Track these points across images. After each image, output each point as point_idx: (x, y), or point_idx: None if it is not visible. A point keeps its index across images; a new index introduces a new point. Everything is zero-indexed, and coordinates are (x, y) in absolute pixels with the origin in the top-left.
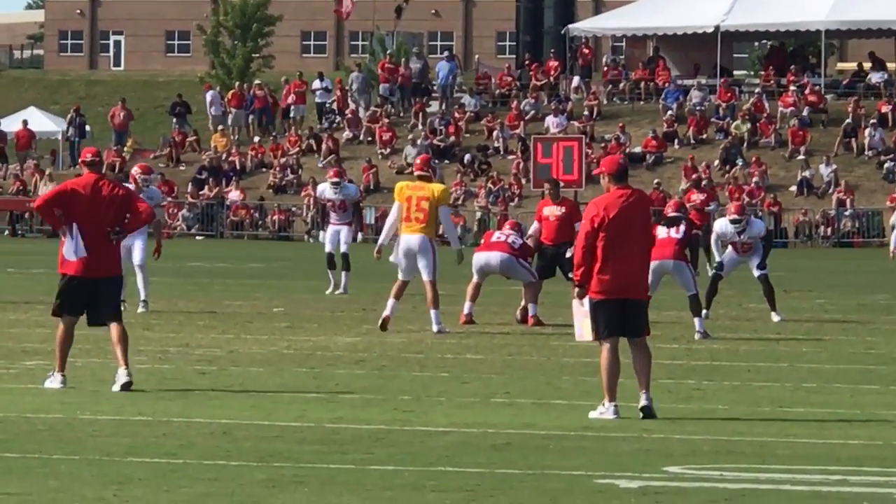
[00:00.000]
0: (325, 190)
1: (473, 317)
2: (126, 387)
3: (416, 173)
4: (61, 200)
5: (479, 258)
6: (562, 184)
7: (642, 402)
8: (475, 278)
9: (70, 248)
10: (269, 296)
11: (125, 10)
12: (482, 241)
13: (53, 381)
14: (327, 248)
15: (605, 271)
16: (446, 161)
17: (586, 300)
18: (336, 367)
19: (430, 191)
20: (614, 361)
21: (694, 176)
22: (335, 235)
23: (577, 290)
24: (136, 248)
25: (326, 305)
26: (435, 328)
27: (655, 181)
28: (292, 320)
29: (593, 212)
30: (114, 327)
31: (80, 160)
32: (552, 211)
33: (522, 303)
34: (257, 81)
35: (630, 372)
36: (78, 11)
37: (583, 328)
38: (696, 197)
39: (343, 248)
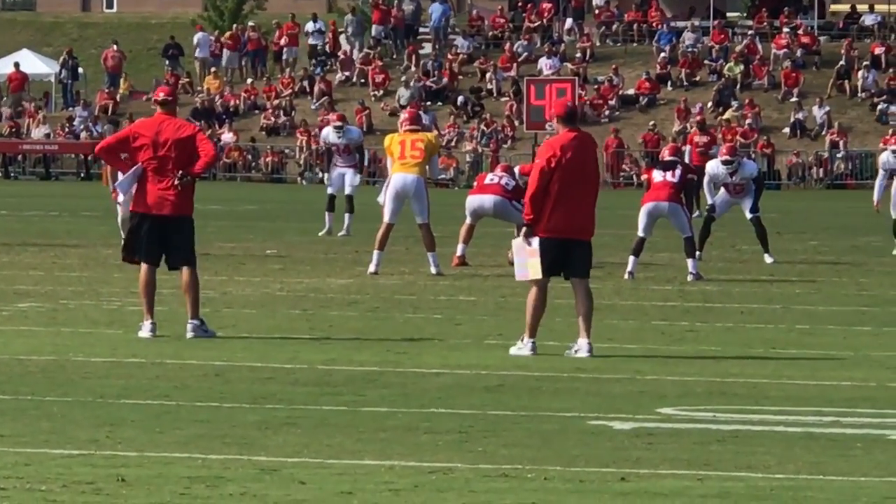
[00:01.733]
0: (329, 134)
1: (466, 258)
2: (196, 335)
3: (405, 128)
4: (123, 144)
5: (473, 201)
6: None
7: (582, 349)
8: (468, 220)
9: (121, 184)
10: (261, 238)
11: None
12: (475, 183)
13: (143, 330)
14: (329, 191)
15: (555, 211)
16: (439, 103)
17: (535, 240)
18: (329, 309)
19: (423, 135)
20: (542, 299)
21: (698, 117)
22: (339, 178)
23: (525, 228)
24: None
25: (319, 248)
26: (433, 270)
27: (650, 123)
28: (285, 262)
29: (549, 152)
30: (184, 271)
31: (153, 98)
32: None
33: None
34: (251, 23)
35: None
36: None
37: (528, 267)
38: (699, 139)
39: (348, 191)
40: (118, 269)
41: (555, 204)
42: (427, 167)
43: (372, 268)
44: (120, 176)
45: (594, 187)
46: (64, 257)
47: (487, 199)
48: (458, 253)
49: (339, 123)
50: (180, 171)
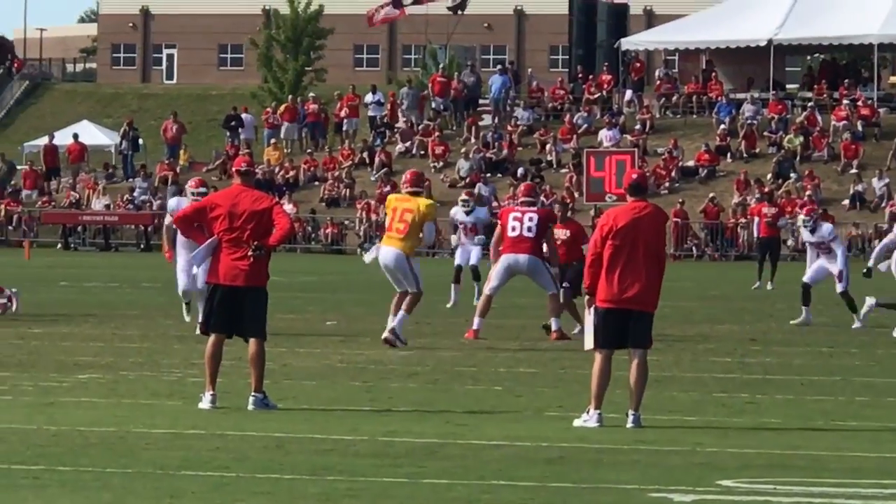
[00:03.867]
0: (457, 213)
1: (480, 333)
2: (258, 408)
3: (405, 190)
4: (200, 214)
5: (507, 259)
6: (570, 204)
7: (629, 422)
8: (494, 284)
9: (197, 255)
10: (321, 309)
11: (177, 24)
12: (497, 228)
13: (204, 402)
14: (457, 262)
15: (610, 280)
16: (499, 175)
17: (591, 309)
18: (389, 381)
19: (415, 204)
20: (606, 370)
21: (766, 189)
22: (466, 253)
23: (586, 298)
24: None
25: (379, 319)
26: (386, 333)
27: (710, 195)
28: (345, 334)
29: (604, 221)
30: (252, 343)
31: (233, 168)
32: (559, 234)
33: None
34: (311, 94)
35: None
36: (131, 25)
37: (589, 336)
38: (767, 210)
39: (473, 262)
40: (178, 341)
41: (612, 274)
42: (421, 234)
43: (390, 329)
44: (177, 244)
45: (657, 258)
46: (124, 328)
47: (522, 258)
48: (475, 326)
49: (465, 198)
50: (255, 243)
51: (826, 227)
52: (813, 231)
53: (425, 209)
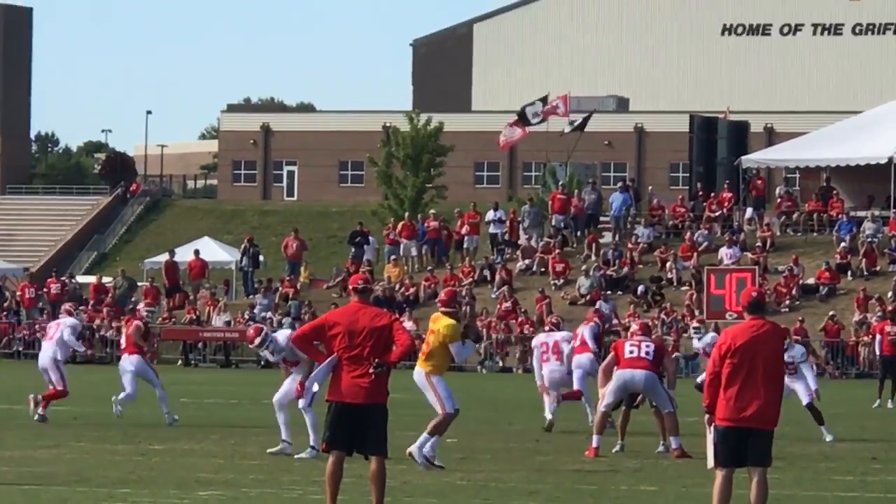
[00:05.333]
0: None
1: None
2: None
3: (440, 309)
4: (318, 332)
5: (623, 375)
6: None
7: None
8: (608, 400)
9: (317, 374)
10: None
11: (298, 141)
12: (611, 350)
13: None
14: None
15: (728, 398)
16: (619, 292)
17: (711, 427)
18: (509, 499)
19: (438, 325)
20: (726, 491)
21: (889, 308)
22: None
23: (707, 416)
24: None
25: (500, 437)
26: (416, 453)
27: (830, 313)
28: (465, 452)
29: (722, 339)
30: (374, 461)
31: (350, 286)
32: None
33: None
34: (432, 211)
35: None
36: (251, 142)
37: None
38: (890, 328)
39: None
40: (298, 459)
41: (731, 392)
42: (446, 354)
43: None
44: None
45: (775, 376)
46: (244, 445)
47: (639, 374)
48: (595, 444)
49: (697, 325)
50: (376, 360)
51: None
52: None
53: (444, 330)
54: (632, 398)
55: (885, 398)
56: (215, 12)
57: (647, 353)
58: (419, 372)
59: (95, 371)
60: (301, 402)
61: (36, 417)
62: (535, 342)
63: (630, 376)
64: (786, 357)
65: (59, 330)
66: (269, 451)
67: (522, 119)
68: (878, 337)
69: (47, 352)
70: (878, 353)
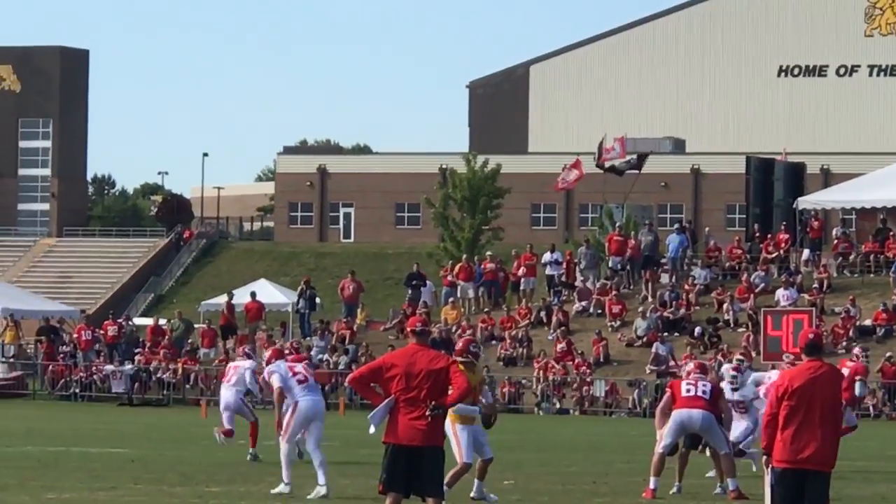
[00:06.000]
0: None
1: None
2: None
3: (458, 358)
4: (375, 374)
5: (681, 415)
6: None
7: None
8: (666, 441)
9: (374, 416)
10: (499, 468)
11: (354, 183)
12: (667, 390)
13: None
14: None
15: (785, 440)
16: (676, 334)
17: (769, 470)
18: None
19: (470, 377)
20: None
21: None
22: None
23: (764, 458)
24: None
25: (557, 479)
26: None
27: (887, 354)
28: (523, 493)
29: (780, 381)
30: (430, 502)
31: (408, 329)
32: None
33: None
34: (489, 253)
35: None
36: (308, 183)
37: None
38: None
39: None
40: (356, 500)
41: (788, 433)
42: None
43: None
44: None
45: (833, 418)
46: (301, 487)
47: (696, 414)
48: (651, 486)
49: (734, 373)
50: (433, 403)
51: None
52: None
53: (479, 378)
54: (692, 439)
55: None
56: (272, 54)
57: (703, 391)
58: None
59: (152, 413)
60: (281, 438)
61: (248, 457)
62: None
63: (687, 416)
64: (737, 395)
65: (237, 373)
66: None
67: (612, 169)
68: None
69: (230, 393)
70: None
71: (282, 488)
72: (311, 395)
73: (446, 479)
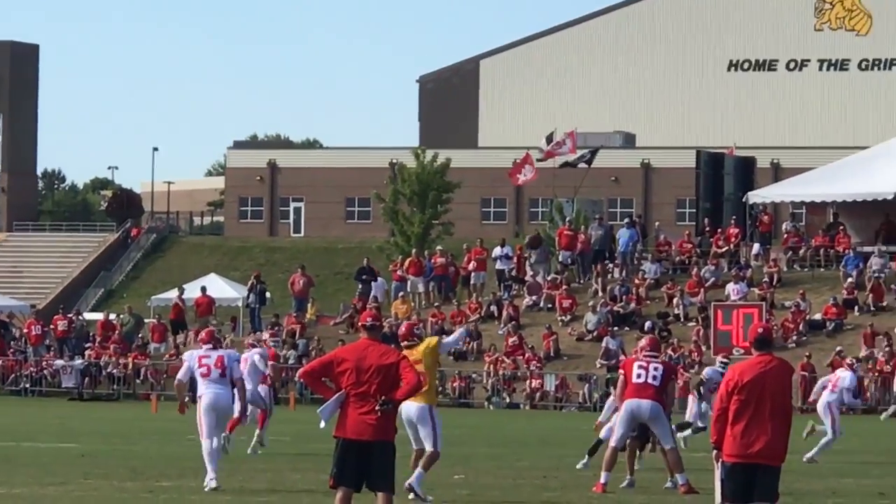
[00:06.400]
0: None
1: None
2: None
3: (402, 343)
4: (326, 369)
5: (631, 405)
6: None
7: None
8: (619, 433)
9: (324, 410)
10: (449, 463)
11: (305, 177)
12: (620, 371)
13: None
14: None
15: (735, 434)
16: (626, 328)
17: (718, 464)
18: None
19: (419, 353)
20: None
21: None
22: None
23: (714, 452)
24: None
25: (508, 473)
26: (414, 492)
27: (837, 348)
28: (473, 488)
29: (729, 376)
30: (380, 497)
31: (360, 324)
32: None
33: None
34: (439, 248)
35: None
36: (258, 178)
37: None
38: None
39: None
40: (307, 495)
41: (738, 428)
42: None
43: (412, 481)
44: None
45: (783, 412)
46: (252, 482)
47: (645, 404)
48: (602, 481)
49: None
50: (382, 397)
51: None
52: None
53: (430, 348)
54: (643, 430)
55: None
56: (222, 49)
57: (654, 377)
58: (421, 408)
59: (102, 408)
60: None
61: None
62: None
63: (637, 406)
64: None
65: (247, 364)
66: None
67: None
68: None
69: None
70: None
71: (208, 482)
72: (212, 389)
73: (422, 463)
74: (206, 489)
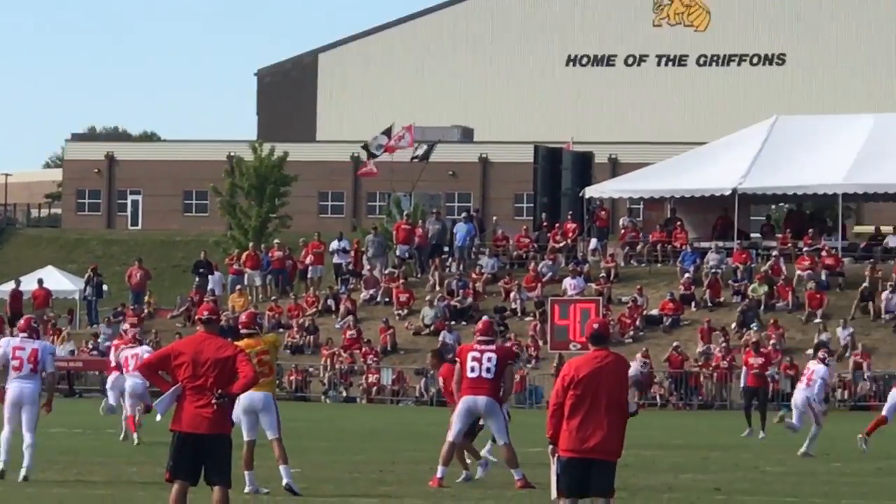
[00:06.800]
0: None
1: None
2: None
3: (242, 331)
4: (163, 362)
5: (467, 401)
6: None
7: None
8: (456, 428)
9: (160, 403)
10: None
11: (142, 170)
12: (462, 370)
13: None
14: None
15: (571, 429)
16: (463, 322)
17: (554, 458)
18: None
19: (265, 343)
20: None
21: (753, 339)
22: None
23: (550, 447)
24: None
25: (344, 467)
26: (285, 481)
27: (674, 344)
28: (310, 482)
29: (565, 371)
30: (216, 491)
31: (196, 317)
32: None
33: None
34: (276, 241)
35: None
36: (96, 171)
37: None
38: (754, 360)
39: None
40: (142, 488)
41: (574, 423)
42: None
43: (249, 486)
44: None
45: (618, 407)
46: (88, 475)
47: (481, 400)
48: (439, 475)
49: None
50: (219, 391)
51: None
52: None
53: (273, 343)
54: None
55: (756, 428)
56: (58, 41)
57: (488, 369)
58: (266, 396)
59: None
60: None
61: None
62: None
63: (473, 402)
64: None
65: (136, 361)
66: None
67: (367, 151)
68: (743, 369)
69: (135, 381)
70: (742, 384)
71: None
72: (17, 383)
73: (281, 460)
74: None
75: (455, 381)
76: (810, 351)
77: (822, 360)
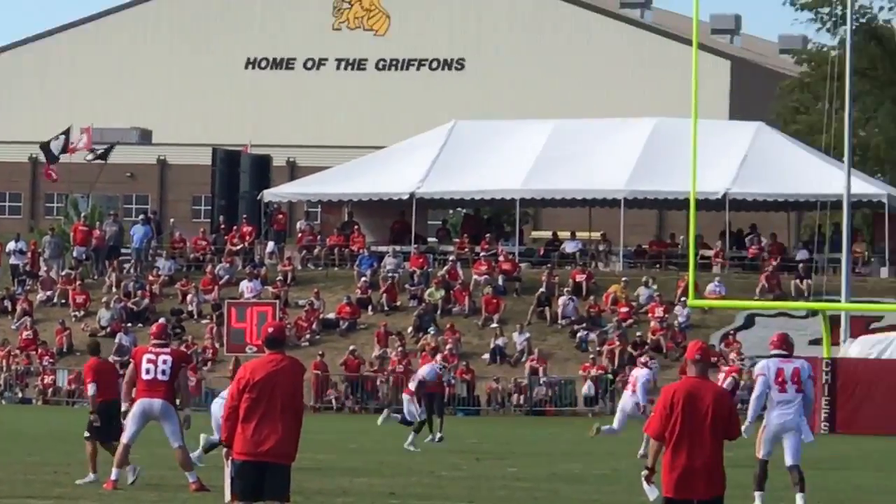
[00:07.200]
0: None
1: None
2: None
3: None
4: None
5: (143, 404)
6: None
7: None
8: (131, 429)
9: None
10: None
11: None
12: (134, 374)
13: None
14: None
15: (246, 432)
16: (140, 324)
17: (229, 462)
18: None
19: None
20: None
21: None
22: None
23: (224, 450)
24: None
25: (18, 468)
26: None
27: (351, 347)
28: None
29: (241, 374)
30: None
31: None
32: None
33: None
34: None
35: None
36: None
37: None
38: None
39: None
40: None
41: (249, 426)
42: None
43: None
44: None
45: (294, 411)
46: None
47: (157, 403)
48: (113, 477)
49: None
50: None
51: None
52: None
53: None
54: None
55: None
56: None
57: (163, 371)
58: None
59: None
60: None
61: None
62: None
63: (149, 405)
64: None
65: None
66: None
67: (46, 153)
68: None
69: None
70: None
71: None
72: None
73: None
74: None
75: (127, 381)
76: (486, 356)
77: (645, 364)
